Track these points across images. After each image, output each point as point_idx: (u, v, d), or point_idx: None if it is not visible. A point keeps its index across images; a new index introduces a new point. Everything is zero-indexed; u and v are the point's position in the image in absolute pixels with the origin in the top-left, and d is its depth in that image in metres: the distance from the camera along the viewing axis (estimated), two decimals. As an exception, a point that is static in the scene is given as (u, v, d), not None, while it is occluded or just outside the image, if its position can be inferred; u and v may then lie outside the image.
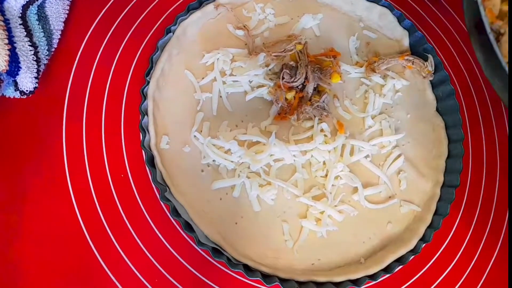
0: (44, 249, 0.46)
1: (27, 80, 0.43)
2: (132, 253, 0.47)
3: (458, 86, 0.60)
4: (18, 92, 0.44)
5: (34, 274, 0.45)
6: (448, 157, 0.54)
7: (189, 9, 0.53)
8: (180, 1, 0.56)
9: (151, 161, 0.47)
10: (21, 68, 0.41)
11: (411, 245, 0.49)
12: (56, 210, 0.47)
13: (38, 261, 0.45)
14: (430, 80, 0.57)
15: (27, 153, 0.48)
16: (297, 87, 0.52)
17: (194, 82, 0.51)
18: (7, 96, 0.44)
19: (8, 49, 0.40)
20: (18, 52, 0.41)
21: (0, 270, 0.44)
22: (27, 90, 0.44)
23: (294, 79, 0.52)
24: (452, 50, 0.62)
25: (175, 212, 0.46)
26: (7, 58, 0.39)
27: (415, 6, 0.63)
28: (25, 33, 0.43)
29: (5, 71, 0.40)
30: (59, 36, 0.48)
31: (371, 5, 0.58)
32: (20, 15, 0.43)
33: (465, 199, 0.55)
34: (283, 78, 0.52)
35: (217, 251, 0.46)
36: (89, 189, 0.48)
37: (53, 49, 0.47)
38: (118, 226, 0.48)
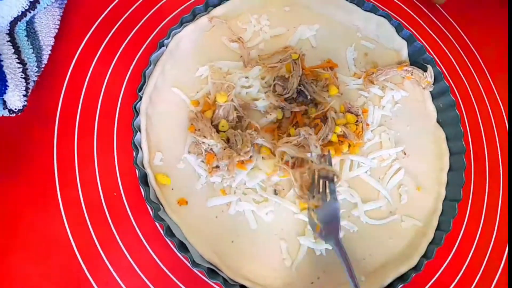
0: (33, 265, 0.45)
1: (15, 99, 0.41)
2: (123, 272, 0.46)
3: (459, 97, 0.59)
4: (6, 110, 0.43)
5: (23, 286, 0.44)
6: (450, 170, 0.53)
7: (183, 22, 0.52)
8: (173, 14, 0.55)
9: (144, 179, 0.46)
10: (8, 86, 0.40)
11: (413, 262, 0.48)
12: (46, 227, 0.46)
13: (27, 277, 0.44)
14: (430, 91, 0.56)
15: (18, 170, 0.47)
16: (288, 98, 0.51)
17: (185, 99, 0.50)
18: (-5, 115, 0.43)
19: (-6, 68, 0.38)
20: (5, 70, 0.40)
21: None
22: (15, 109, 0.42)
23: (286, 91, 0.51)
24: (453, 60, 0.61)
25: (169, 232, 0.44)
26: (-7, 77, 0.38)
27: (414, 15, 0.62)
28: (13, 50, 0.42)
29: (-8, 90, 0.39)
30: (49, 52, 0.47)
31: (369, 15, 0.57)
32: (8, 31, 0.42)
33: (468, 213, 0.54)
34: (274, 90, 0.51)
35: (212, 272, 0.44)
36: (80, 207, 0.47)
37: (43, 66, 0.46)
38: (109, 245, 0.46)
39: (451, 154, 0.53)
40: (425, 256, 0.48)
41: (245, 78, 0.51)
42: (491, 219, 0.54)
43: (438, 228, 0.50)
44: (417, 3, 0.62)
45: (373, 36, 0.58)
